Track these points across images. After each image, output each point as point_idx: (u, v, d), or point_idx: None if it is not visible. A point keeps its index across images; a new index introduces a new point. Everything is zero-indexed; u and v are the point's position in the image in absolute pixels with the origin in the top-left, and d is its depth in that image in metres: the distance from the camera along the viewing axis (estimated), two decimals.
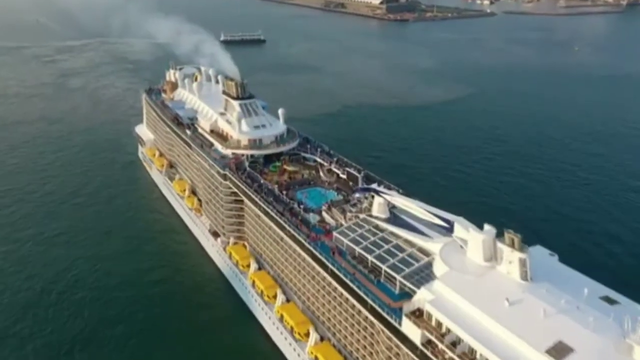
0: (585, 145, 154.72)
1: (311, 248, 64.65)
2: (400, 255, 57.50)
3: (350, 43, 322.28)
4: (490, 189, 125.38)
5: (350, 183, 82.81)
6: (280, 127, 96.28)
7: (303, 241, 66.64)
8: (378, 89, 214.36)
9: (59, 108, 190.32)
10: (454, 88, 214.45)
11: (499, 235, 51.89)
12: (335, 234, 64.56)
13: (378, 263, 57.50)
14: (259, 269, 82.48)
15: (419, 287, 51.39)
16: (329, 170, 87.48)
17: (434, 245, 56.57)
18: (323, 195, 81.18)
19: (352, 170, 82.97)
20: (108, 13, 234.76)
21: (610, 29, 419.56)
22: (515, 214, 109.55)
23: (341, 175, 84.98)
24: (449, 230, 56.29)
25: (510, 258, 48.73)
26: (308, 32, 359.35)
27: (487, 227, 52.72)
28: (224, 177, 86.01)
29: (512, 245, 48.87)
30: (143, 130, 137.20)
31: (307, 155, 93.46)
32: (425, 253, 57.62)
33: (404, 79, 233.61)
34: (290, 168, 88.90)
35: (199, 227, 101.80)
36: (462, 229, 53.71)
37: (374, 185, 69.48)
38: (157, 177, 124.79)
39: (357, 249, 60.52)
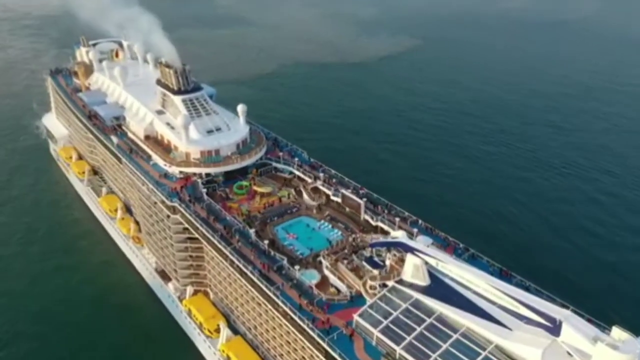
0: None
1: (323, 344, 43.65)
2: None
3: None
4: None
5: (347, 209, 61.79)
6: (241, 129, 72.36)
7: (307, 328, 45.54)
8: (315, 43, 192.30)
9: None
10: (397, 40, 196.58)
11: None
12: (357, 318, 43.83)
13: None
14: (234, 333, 60.82)
15: None
16: (315, 189, 65.73)
17: (523, 348, 37.20)
18: (313, 230, 59.93)
19: (349, 193, 61.50)
20: None
21: None
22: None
23: (333, 197, 63.57)
24: (550, 330, 36.82)
25: None
26: None
27: (620, 333, 33.79)
28: (173, 210, 62.24)
29: None
30: (53, 123, 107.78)
31: (280, 166, 70.96)
32: (507, 355, 38.34)
33: (342, 30, 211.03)
34: (262, 189, 66.17)
35: (141, 260, 77.96)
36: (582, 337, 34.43)
37: (400, 234, 48.36)
38: (77, 184, 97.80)
39: (399, 350, 40.28)
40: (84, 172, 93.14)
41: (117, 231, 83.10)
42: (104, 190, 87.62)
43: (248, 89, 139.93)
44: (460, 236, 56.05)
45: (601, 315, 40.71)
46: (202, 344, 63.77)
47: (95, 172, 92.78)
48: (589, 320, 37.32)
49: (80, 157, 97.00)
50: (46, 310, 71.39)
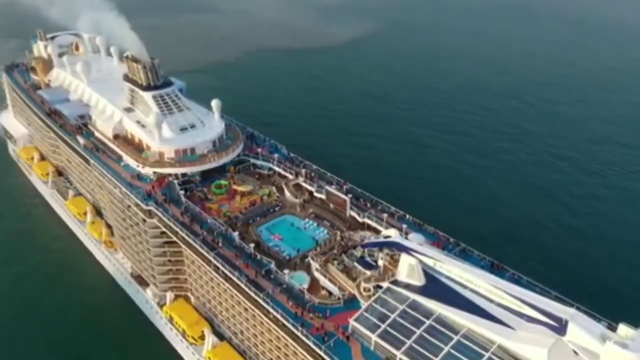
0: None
1: (320, 352, 42.02)
2: None
3: None
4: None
5: (332, 206, 60.04)
6: (216, 125, 69.34)
7: (300, 335, 43.79)
8: (281, 30, 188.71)
9: None
10: (361, 24, 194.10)
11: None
12: (353, 323, 42.34)
13: None
14: (219, 338, 58.56)
15: None
16: (297, 186, 63.64)
17: (527, 348, 36.42)
18: (299, 229, 57.90)
19: (333, 189, 59.78)
20: None
21: None
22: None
23: (316, 194, 61.71)
24: (556, 329, 36.08)
25: None
26: None
27: (627, 330, 33.29)
28: (149, 214, 59.14)
29: None
30: (10, 121, 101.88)
31: (259, 162, 68.48)
32: (511, 355, 37.52)
33: (307, 16, 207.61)
34: (242, 188, 63.62)
35: (114, 265, 74.47)
36: (589, 335, 33.76)
37: (393, 233, 46.98)
38: (41, 186, 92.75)
39: (399, 355, 39.01)
40: (47, 174, 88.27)
41: (88, 236, 79.20)
42: (70, 192, 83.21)
43: (216, 79, 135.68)
44: (448, 229, 55.04)
45: (599, 310, 40.21)
46: (185, 351, 61.30)
47: (60, 173, 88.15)
48: (585, 313, 36.81)
49: (42, 158, 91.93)
50: (4, 323, 67.04)
